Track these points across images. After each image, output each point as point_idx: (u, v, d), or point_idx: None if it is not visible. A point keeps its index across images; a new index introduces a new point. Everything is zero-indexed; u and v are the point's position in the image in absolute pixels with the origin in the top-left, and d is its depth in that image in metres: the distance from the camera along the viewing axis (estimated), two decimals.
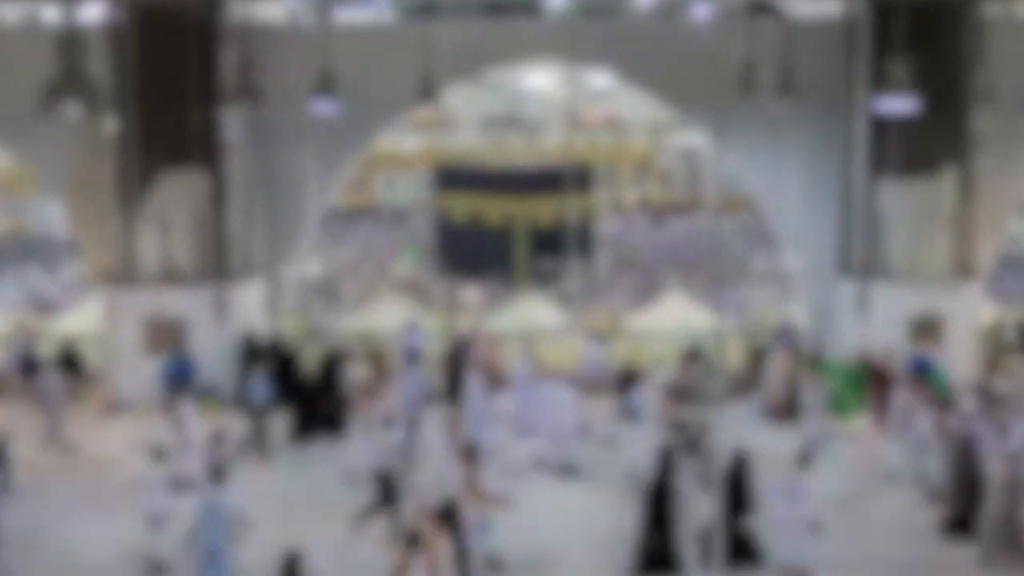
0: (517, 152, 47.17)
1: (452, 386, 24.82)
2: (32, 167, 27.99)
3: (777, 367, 25.05)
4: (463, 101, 46.26)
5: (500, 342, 27.22)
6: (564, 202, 38.55)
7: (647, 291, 33.41)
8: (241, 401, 23.85)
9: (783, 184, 27.43)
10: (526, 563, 17.26)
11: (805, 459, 16.95)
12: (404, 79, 25.75)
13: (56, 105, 20.22)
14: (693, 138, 46.15)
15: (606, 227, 43.42)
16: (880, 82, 24.65)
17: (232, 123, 26.36)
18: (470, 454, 17.30)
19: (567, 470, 21.26)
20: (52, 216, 41.49)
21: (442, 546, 15.27)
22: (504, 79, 46.08)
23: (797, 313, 28.82)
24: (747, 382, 26.39)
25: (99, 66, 23.64)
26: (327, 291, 34.68)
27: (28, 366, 26.69)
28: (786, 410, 24.29)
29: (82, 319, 28.83)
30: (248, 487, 18.25)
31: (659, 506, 16.97)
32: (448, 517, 15.78)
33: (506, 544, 17.08)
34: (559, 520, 19.10)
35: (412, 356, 25.50)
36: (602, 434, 22.58)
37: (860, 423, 22.59)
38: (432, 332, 27.97)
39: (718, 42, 26.94)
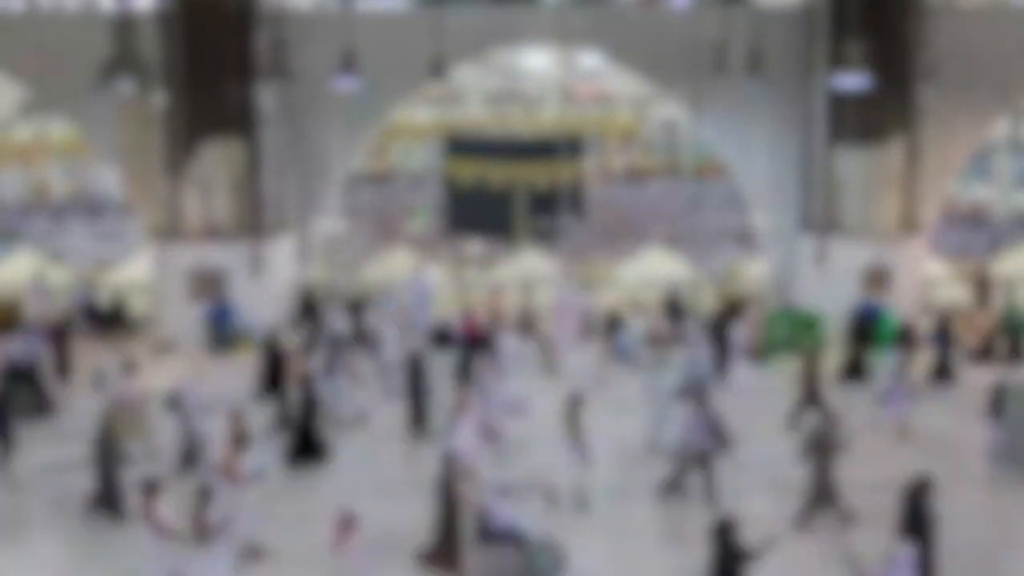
0: (517, 124, 47.10)
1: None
2: (89, 136, 27.91)
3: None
4: (469, 79, 46.11)
5: (502, 291, 27.31)
6: (558, 168, 38.52)
7: (631, 245, 33.42)
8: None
9: (751, 151, 27.46)
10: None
11: None
12: (417, 59, 25.76)
13: (111, 82, 20.26)
14: (672, 111, 46.05)
15: (595, 190, 43.35)
16: (837, 62, 24.70)
17: (266, 98, 26.36)
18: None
19: None
20: (108, 179, 41.40)
21: None
22: (506, 59, 45.96)
23: (762, 265, 28.87)
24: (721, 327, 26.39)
25: (149, 48, 23.69)
26: (349, 245, 34.71)
27: (89, 312, 26.83)
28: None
29: (134, 270, 28.87)
30: None
31: None
32: None
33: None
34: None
35: (420, 301, 25.79)
36: (593, 374, 22.67)
37: None
38: (438, 282, 27.94)
39: (694, 27, 26.89)
